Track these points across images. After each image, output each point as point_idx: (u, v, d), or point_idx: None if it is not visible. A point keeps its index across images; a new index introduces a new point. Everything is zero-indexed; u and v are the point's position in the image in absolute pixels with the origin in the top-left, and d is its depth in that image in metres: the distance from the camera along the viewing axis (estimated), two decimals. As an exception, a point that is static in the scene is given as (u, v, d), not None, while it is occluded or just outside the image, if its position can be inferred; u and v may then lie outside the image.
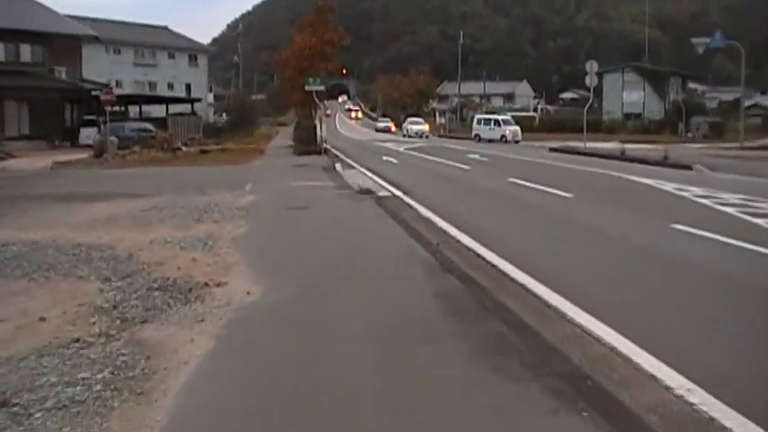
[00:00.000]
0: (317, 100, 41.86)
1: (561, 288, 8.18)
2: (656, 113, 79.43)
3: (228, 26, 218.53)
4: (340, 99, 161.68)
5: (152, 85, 76.68)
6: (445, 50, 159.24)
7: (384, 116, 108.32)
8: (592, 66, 44.57)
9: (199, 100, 68.77)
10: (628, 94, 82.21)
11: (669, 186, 20.17)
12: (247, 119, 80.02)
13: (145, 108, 59.73)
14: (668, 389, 5.23)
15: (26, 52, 49.25)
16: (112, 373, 5.38)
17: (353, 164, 30.62)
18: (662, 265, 9.95)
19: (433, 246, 10.79)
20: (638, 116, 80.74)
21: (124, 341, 6.20)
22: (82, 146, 42.39)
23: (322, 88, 40.94)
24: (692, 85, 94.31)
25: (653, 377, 5.50)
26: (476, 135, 62.61)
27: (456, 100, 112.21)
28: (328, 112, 79.16)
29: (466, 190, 21.03)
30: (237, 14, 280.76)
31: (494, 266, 9.58)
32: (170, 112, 56.91)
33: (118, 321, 6.80)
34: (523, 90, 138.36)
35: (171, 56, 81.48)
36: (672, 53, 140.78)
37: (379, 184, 21.12)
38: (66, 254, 10.06)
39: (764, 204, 15.96)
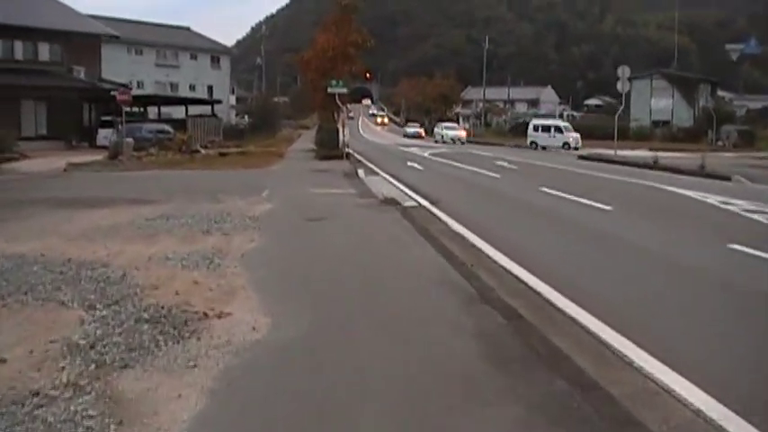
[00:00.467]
0: (339, 103, 40.68)
1: (618, 324, 7.02)
2: (684, 121, 77.71)
3: (252, 29, 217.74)
4: (363, 102, 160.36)
5: (174, 86, 75.79)
6: (469, 55, 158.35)
7: (413, 121, 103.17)
8: (624, 71, 43.21)
9: (219, 101, 67.62)
10: (656, 101, 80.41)
11: (713, 199, 18.79)
12: (269, 121, 78.98)
13: (165, 109, 58.75)
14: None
15: (44, 51, 48.41)
16: (67, 451, 4.17)
17: (377, 169, 29.44)
18: (733, 296, 8.65)
19: (467, 268, 9.55)
20: (667, 123, 79.00)
21: (95, 395, 4.98)
22: (99, 147, 41.33)
23: (345, 91, 39.84)
24: (720, 92, 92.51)
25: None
26: (532, 142, 59.21)
27: (479, 105, 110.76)
28: (351, 114, 77.65)
29: (497, 200, 19.72)
30: (261, 17, 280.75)
31: (537, 293, 8.37)
32: (190, 113, 55.86)
33: (93, 366, 5.58)
34: (548, 96, 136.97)
35: (193, 57, 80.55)
36: (699, 60, 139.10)
37: (404, 193, 19.92)
38: (53, 271, 8.89)
39: (826, 222, 14.64)
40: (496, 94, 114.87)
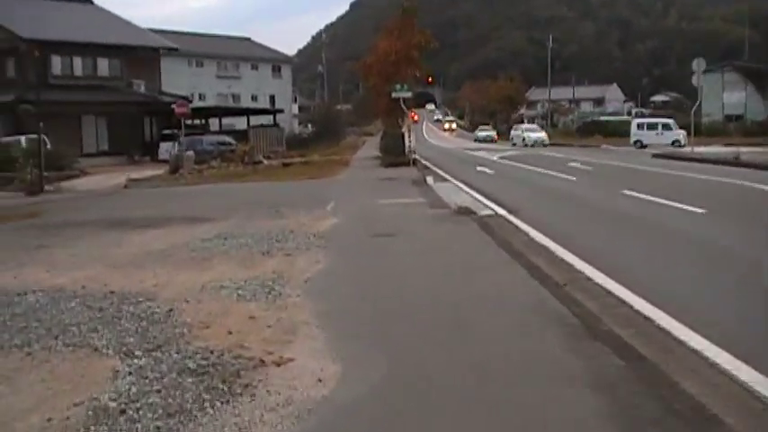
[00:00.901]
0: (404, 107, 39.48)
1: (752, 357, 5.74)
2: (758, 115, 74.96)
3: (313, 38, 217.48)
4: (427, 107, 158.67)
5: (235, 98, 75.42)
6: (531, 56, 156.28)
7: (484, 124, 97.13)
8: (699, 64, 41.44)
9: (281, 111, 66.83)
10: (728, 95, 77.69)
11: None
12: (332, 129, 78.30)
13: (227, 121, 58.25)
14: None
15: (104, 66, 48.29)
16: None
17: (446, 176, 28.13)
18: None
19: (563, 290, 8.27)
20: (740, 118, 76.32)
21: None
22: (161, 161, 40.82)
23: (409, 95, 38.56)
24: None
25: None
26: (636, 141, 55.86)
27: (544, 105, 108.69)
28: (416, 118, 75.73)
29: (578, 206, 18.25)
30: (321, 26, 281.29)
31: (647, 319, 7.08)
32: (252, 124, 55.21)
33: (117, 442, 4.45)
34: (613, 94, 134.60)
35: (254, 67, 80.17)
36: (766, 52, 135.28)
37: (478, 201, 18.62)
38: (91, 308, 7.83)
39: None
40: (561, 94, 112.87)
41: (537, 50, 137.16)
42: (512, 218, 15.05)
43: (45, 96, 38.32)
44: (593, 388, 5.20)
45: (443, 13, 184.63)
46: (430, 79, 73.30)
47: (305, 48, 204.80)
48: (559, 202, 19.30)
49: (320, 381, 5.42)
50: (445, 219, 15.28)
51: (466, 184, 24.00)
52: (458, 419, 4.74)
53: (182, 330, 6.86)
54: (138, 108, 48.17)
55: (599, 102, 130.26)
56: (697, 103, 48.11)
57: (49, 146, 33.16)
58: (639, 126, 57.87)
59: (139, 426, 4.66)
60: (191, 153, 35.07)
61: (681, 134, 54.14)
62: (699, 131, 64.03)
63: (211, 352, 6.12)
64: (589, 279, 9.00)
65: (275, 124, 59.91)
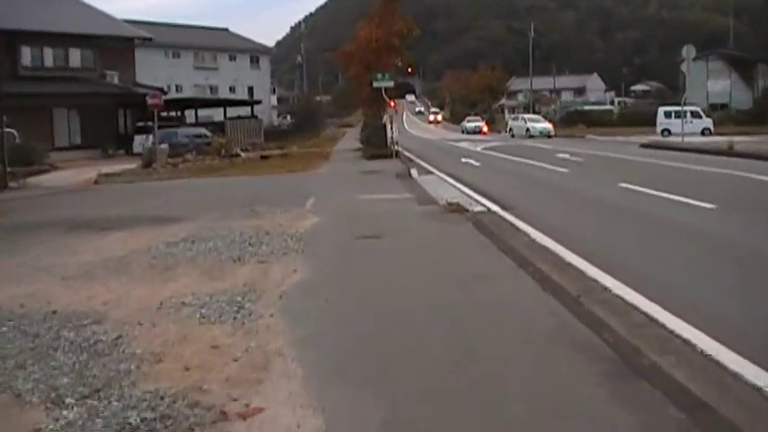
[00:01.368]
0: (386, 97, 38.24)
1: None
2: (743, 103, 74.16)
3: (291, 28, 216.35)
4: (407, 98, 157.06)
5: (213, 89, 74.24)
6: (511, 45, 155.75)
7: (473, 115, 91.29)
8: (689, 50, 40.33)
9: (259, 102, 65.43)
10: (713, 84, 76.67)
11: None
12: (312, 121, 77.25)
13: (205, 113, 56.73)
14: None
15: (76, 57, 46.66)
16: None
17: (430, 168, 26.90)
18: None
19: (585, 308, 7.07)
20: (724, 106, 75.44)
21: None
22: (136, 154, 39.32)
23: (391, 84, 37.23)
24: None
25: None
26: (664, 130, 53.56)
27: (526, 95, 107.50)
28: (394, 106, 73.82)
29: (576, 201, 17.00)
30: (301, 16, 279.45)
31: (690, 346, 5.91)
32: (229, 115, 53.83)
33: None
34: (594, 83, 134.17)
35: (232, 58, 78.89)
36: (751, 41, 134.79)
37: (468, 196, 17.38)
38: (27, 334, 6.56)
39: None
40: (542, 83, 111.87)
41: (517, 40, 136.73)
42: (507, 215, 13.81)
43: (14, 89, 37.05)
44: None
45: (422, 2, 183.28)
46: (410, 69, 72.02)
47: (284, 39, 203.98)
48: (555, 197, 18.05)
49: (296, 442, 4.21)
50: (435, 217, 13.96)
51: (452, 176, 22.79)
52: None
53: (128, 366, 5.59)
54: (112, 100, 46.61)
55: (580, 91, 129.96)
56: (685, 93, 47.02)
57: (17, 140, 31.81)
58: (667, 114, 55.37)
59: None
60: (165, 146, 33.70)
61: (710, 122, 53.59)
62: (685, 121, 63.15)
63: (162, 398, 4.87)
64: (605, 288, 7.85)
65: (253, 116, 58.57)
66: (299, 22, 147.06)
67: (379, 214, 14.55)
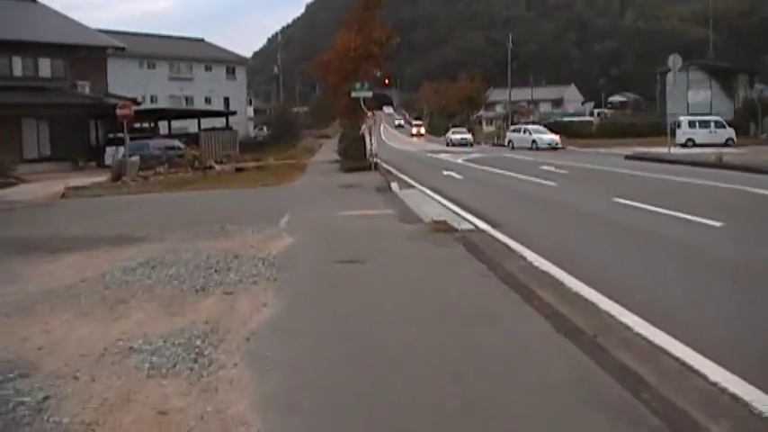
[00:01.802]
0: (364, 108, 37.17)
1: None
2: (724, 114, 73.50)
3: (269, 39, 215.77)
4: (385, 110, 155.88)
5: (188, 100, 73.16)
6: (489, 56, 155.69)
7: (458, 125, 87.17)
8: (675, 60, 39.61)
9: (234, 113, 64.13)
10: (693, 94, 76.01)
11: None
12: (289, 132, 76.23)
13: (179, 124, 55.69)
14: None
15: (45, 66, 45.36)
16: None
17: (411, 181, 25.77)
18: None
19: (610, 356, 5.99)
20: (705, 117, 75.11)
21: None
22: (107, 166, 38.06)
23: (370, 94, 36.19)
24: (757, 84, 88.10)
25: None
26: (688, 140, 52.26)
27: (505, 106, 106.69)
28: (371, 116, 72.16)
29: (569, 217, 15.89)
30: (278, 28, 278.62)
31: (737, 400, 4.87)
32: (203, 127, 52.69)
33: None
34: (572, 94, 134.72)
35: (208, 68, 77.71)
36: (729, 52, 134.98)
37: (454, 212, 16.25)
38: (-66, 393, 5.40)
39: None
40: (520, 94, 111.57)
41: (495, 51, 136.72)
42: (498, 234, 12.70)
43: (-20, 99, 35.84)
44: None
45: (399, 13, 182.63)
46: (387, 81, 70.88)
47: (261, 50, 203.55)
48: (546, 213, 16.94)
49: None
50: (421, 237, 12.75)
51: (435, 191, 21.68)
52: None
53: (49, 445, 4.47)
54: (84, 111, 45.31)
55: (557, 103, 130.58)
56: (668, 104, 46.35)
57: (-17, 152, 30.69)
58: (691, 124, 54.60)
59: None
60: (135, 159, 32.49)
61: (732, 132, 53.12)
62: (664, 132, 62.43)
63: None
64: (622, 325, 6.80)
65: (228, 127, 57.33)
66: (276, 33, 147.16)
67: (359, 233, 13.43)
